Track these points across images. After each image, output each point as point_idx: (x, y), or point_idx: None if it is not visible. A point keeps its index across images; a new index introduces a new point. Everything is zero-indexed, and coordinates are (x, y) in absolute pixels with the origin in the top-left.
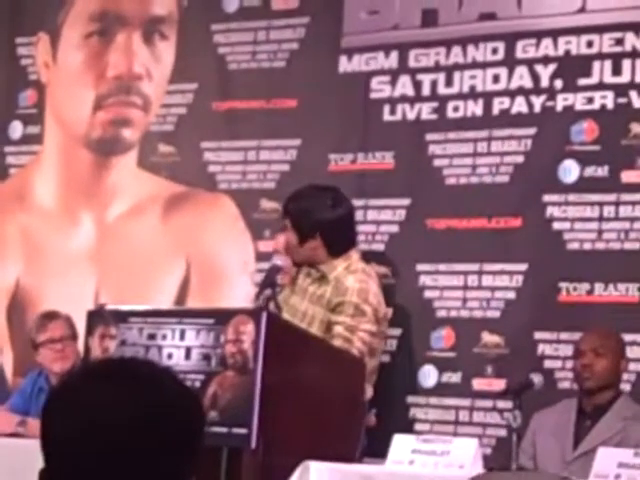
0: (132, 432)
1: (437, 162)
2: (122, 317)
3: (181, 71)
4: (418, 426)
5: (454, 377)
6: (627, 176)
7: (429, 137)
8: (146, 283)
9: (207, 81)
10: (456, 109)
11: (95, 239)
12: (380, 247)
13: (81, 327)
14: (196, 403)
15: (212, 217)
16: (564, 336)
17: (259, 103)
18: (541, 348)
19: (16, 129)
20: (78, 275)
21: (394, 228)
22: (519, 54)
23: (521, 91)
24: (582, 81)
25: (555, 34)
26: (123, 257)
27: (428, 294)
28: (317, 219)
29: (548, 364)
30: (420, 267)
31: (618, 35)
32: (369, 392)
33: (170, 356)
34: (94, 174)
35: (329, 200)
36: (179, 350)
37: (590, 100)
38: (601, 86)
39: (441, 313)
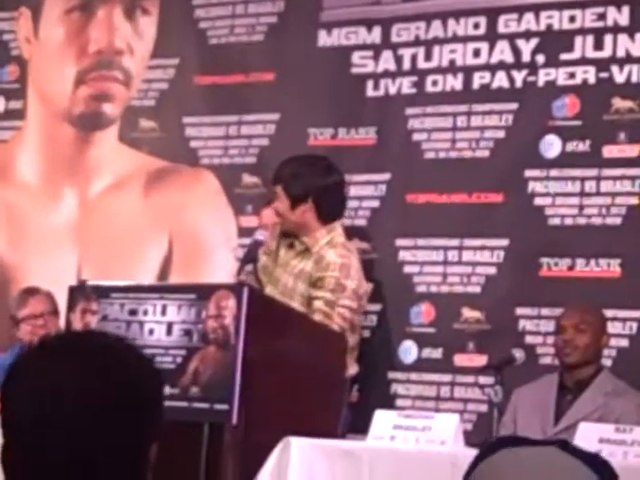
0: (84, 403)
1: (416, 136)
2: (103, 292)
3: (163, 46)
4: (399, 402)
5: (434, 353)
6: (609, 151)
7: (409, 111)
8: (129, 258)
9: (188, 56)
10: (435, 83)
11: (77, 214)
12: (362, 222)
13: (63, 302)
14: (153, 372)
15: (194, 192)
16: (545, 312)
17: (239, 77)
18: (522, 324)
19: None
20: (60, 250)
21: (375, 203)
22: (501, 29)
23: (502, 66)
24: (564, 56)
25: (537, 9)
26: (106, 232)
27: (408, 269)
28: (310, 182)
29: (529, 340)
30: (400, 242)
31: (600, 10)
32: (354, 368)
33: (151, 332)
34: (76, 149)
35: (322, 166)
36: (160, 326)
37: (572, 75)
38: (583, 61)
39: (421, 288)
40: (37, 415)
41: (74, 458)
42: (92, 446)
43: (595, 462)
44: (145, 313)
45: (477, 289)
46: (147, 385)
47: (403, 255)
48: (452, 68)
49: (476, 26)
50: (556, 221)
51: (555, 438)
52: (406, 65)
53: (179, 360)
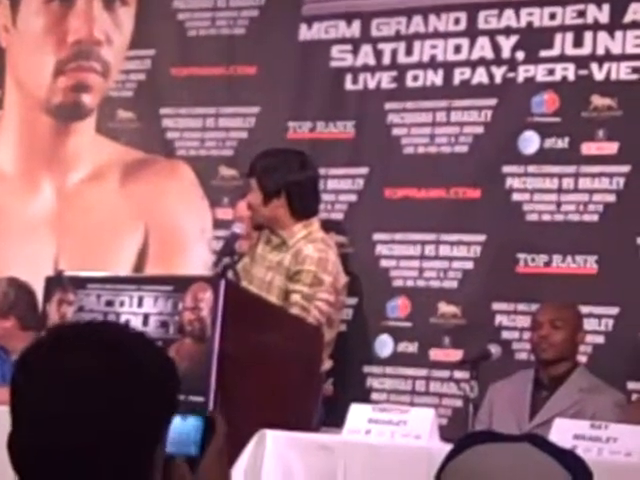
0: (102, 398)
1: (396, 131)
2: (80, 283)
3: (140, 37)
4: (374, 395)
5: (410, 347)
6: (587, 148)
7: (388, 106)
8: (105, 249)
9: (166, 47)
10: (416, 78)
11: (55, 205)
12: (339, 216)
13: (39, 293)
14: (170, 370)
15: (170, 184)
16: (521, 307)
17: (218, 70)
18: (498, 319)
19: None
20: (37, 241)
21: (353, 197)
22: (481, 25)
23: (482, 62)
24: (543, 53)
25: (517, 5)
26: (83, 223)
27: (385, 263)
28: (283, 177)
29: (505, 335)
30: (377, 236)
31: (580, 7)
32: (328, 363)
33: (128, 323)
34: (54, 139)
35: (297, 161)
36: (137, 317)
37: (551, 72)
38: (562, 58)
39: (397, 283)
40: (46, 407)
41: (80, 451)
42: (99, 441)
43: (567, 458)
44: (121, 304)
45: (454, 284)
46: (163, 383)
47: (380, 249)
48: (433, 63)
49: (457, 22)
50: (533, 217)
51: (527, 433)
52: (386, 60)
53: None
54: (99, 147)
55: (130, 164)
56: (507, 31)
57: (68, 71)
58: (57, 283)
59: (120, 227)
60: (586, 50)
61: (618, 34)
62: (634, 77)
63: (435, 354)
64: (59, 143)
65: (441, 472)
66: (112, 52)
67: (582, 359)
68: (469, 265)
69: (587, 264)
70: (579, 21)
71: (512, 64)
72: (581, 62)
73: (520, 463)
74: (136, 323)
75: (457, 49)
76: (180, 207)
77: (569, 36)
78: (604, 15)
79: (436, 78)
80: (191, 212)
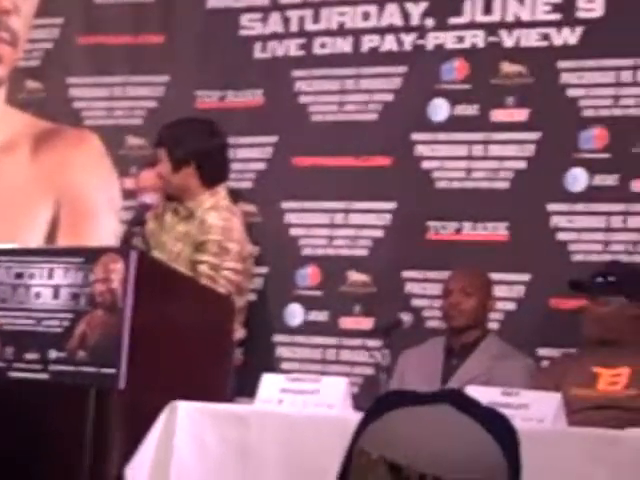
0: None
1: (303, 99)
2: None
3: (47, 5)
4: (285, 365)
5: (321, 316)
6: (496, 115)
7: (296, 74)
8: (16, 221)
9: (73, 15)
10: (323, 46)
11: None
12: (248, 185)
13: None
14: None
15: (79, 154)
16: (432, 275)
17: (126, 38)
18: (409, 287)
19: None
20: None
21: (261, 166)
22: None
23: (391, 29)
24: (453, 20)
25: None
26: None
27: (294, 232)
28: (192, 146)
29: (416, 303)
30: (286, 205)
31: None
32: (240, 332)
33: (38, 295)
34: None
35: (205, 129)
36: (47, 289)
37: (461, 39)
38: (472, 25)
39: (307, 251)
40: None
41: None
42: None
43: (491, 422)
44: (31, 276)
45: (364, 252)
46: None
47: (289, 218)
48: (341, 31)
49: None
50: (443, 184)
51: (449, 391)
52: (293, 27)
53: (66, 324)
54: (9, 118)
55: (40, 135)
56: None
57: None
58: None
59: (31, 198)
60: (495, 17)
61: (527, 1)
62: (544, 44)
63: (345, 322)
64: None
65: (358, 436)
66: (20, 21)
67: (494, 326)
68: (379, 233)
69: (498, 231)
70: None
71: (421, 31)
72: (491, 29)
73: (444, 431)
74: (46, 295)
75: (365, 16)
76: (89, 177)
77: (479, 3)
78: None
79: (345, 45)
80: (100, 182)
